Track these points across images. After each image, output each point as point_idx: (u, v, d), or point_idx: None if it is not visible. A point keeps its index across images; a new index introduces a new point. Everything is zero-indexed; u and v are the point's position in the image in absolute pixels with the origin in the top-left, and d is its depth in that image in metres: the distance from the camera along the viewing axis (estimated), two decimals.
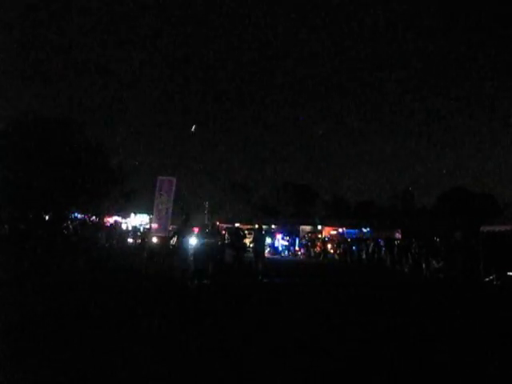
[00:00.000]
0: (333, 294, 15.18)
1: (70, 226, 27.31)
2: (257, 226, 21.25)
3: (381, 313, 11.50)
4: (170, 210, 19.51)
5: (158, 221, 19.58)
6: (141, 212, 40.86)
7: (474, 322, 10.68)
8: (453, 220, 36.63)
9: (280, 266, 25.54)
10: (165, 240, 18.22)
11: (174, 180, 20.08)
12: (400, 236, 35.11)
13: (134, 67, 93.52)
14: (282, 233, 44.17)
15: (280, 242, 41.60)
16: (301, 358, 6.96)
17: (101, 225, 27.25)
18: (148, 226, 26.88)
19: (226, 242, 23.80)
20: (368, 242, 34.49)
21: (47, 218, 26.16)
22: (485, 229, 22.12)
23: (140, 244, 24.49)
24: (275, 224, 45.67)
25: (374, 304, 13.09)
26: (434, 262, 24.61)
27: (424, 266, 25.00)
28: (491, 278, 20.61)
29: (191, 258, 15.25)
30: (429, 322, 10.53)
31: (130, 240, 28.95)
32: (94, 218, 31.59)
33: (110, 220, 37.91)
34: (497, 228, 20.91)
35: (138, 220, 40.35)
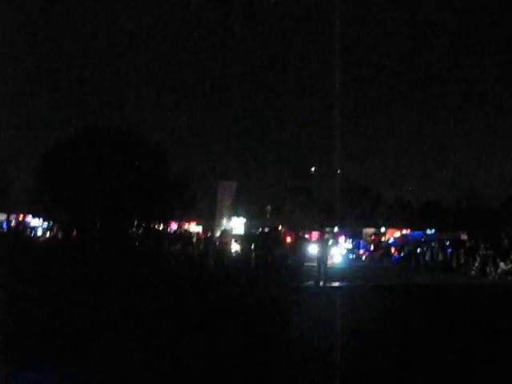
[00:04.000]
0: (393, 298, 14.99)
1: (137, 232, 27.98)
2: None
3: (443, 315, 11.30)
4: (230, 214, 19.85)
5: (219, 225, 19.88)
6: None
7: None
8: None
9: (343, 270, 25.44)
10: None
11: (234, 184, 20.39)
12: (466, 237, 34.24)
13: (193, 72, 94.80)
14: (345, 235, 43.87)
15: (343, 245, 41.32)
16: None
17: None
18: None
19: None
20: (433, 243, 33.75)
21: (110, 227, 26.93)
22: None
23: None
24: (339, 227, 45.37)
25: (436, 307, 12.87)
26: (502, 263, 23.94)
27: (492, 268, 24.32)
28: None
29: None
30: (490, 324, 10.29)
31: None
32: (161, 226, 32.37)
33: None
34: None
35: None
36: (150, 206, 28.02)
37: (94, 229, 26.59)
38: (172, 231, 34.13)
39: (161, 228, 30.42)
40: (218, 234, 20.41)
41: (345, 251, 39.61)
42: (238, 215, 36.86)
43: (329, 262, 30.81)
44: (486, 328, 9.81)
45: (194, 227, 40.73)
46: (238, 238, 22.41)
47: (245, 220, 39.09)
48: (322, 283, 17.99)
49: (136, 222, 27.70)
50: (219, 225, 19.75)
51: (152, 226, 28.77)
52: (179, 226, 37.79)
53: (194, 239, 31.20)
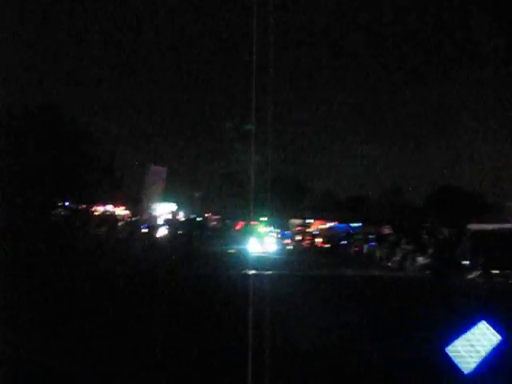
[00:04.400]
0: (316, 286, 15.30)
1: (62, 213, 27.28)
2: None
3: (359, 304, 11.65)
4: (159, 199, 19.64)
5: (147, 209, 19.62)
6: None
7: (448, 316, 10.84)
8: (441, 217, 36.84)
9: (266, 259, 25.65)
10: None
11: (165, 169, 20.15)
12: (389, 232, 35.36)
13: (124, 55, 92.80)
14: (272, 225, 44.25)
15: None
16: None
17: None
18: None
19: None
20: (357, 236, 34.67)
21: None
22: (472, 227, 22.45)
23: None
24: (266, 217, 45.69)
25: (354, 296, 13.26)
26: (421, 258, 24.88)
27: (411, 261, 25.21)
28: (476, 275, 20.92)
29: None
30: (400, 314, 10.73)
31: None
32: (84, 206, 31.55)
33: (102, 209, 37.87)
34: (483, 226, 21.19)
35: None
36: (75, 186, 27.37)
37: (15, 208, 25.71)
38: (98, 213, 33.48)
39: (87, 209, 29.78)
40: (145, 217, 20.18)
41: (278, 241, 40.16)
42: (168, 201, 36.53)
43: (262, 251, 31.31)
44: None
45: (120, 211, 40.04)
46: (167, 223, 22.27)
47: (176, 206, 38.73)
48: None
49: (60, 203, 26.99)
50: (148, 209, 19.50)
51: (78, 207, 28.12)
52: (105, 209, 37.08)
53: (120, 223, 30.74)
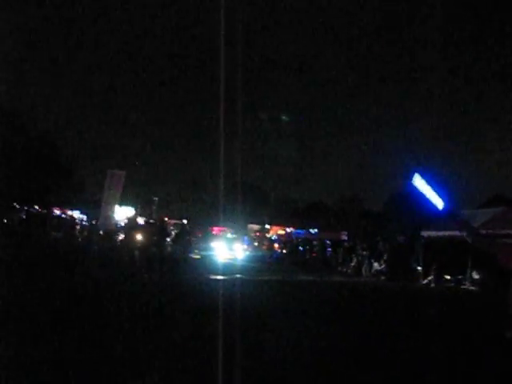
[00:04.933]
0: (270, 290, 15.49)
1: (22, 216, 26.90)
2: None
3: (314, 310, 11.85)
4: (117, 203, 19.60)
5: (107, 215, 19.52)
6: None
7: (400, 321, 11.19)
8: (396, 224, 37.62)
9: (225, 264, 25.75)
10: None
11: (123, 174, 20.09)
12: (346, 238, 35.95)
13: (85, 60, 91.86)
14: (231, 231, 44.46)
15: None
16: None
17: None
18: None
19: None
20: (314, 242, 35.06)
21: None
22: (425, 233, 23.05)
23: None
24: (226, 222, 45.91)
25: (310, 301, 13.49)
26: (376, 264, 25.40)
27: (367, 267, 25.69)
28: (429, 280, 21.54)
29: None
30: (355, 319, 11.00)
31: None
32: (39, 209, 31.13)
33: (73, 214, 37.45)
34: (436, 233, 21.76)
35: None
36: (34, 189, 27.02)
37: None
38: (55, 216, 33.07)
39: (44, 213, 29.43)
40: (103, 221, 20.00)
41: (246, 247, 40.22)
42: (126, 205, 36.24)
43: (230, 257, 31.32)
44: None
45: (77, 214, 39.61)
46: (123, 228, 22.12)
47: (134, 210, 38.53)
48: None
49: (17, 205, 26.61)
50: (107, 213, 19.36)
51: (36, 210, 27.76)
52: (63, 212, 36.64)
53: (78, 226, 30.46)
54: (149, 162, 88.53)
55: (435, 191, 5.10)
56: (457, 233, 17.17)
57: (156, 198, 47.81)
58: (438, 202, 5.08)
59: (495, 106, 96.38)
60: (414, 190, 5.23)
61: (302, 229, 44.32)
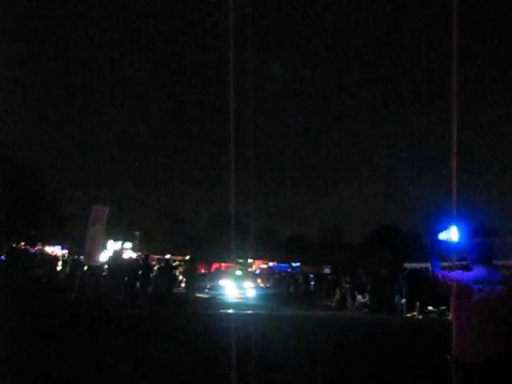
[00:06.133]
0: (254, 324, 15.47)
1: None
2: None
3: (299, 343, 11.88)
4: (102, 239, 19.50)
5: (91, 250, 19.38)
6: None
7: (390, 355, 11.25)
8: (379, 256, 37.85)
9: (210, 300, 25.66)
10: None
11: (107, 209, 20.03)
12: (329, 271, 36.04)
13: (66, 92, 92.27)
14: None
15: None
16: None
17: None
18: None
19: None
20: (298, 276, 35.05)
21: None
22: (408, 265, 23.26)
23: None
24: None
25: (295, 335, 13.51)
26: (360, 297, 25.48)
27: (350, 300, 25.75)
28: (412, 313, 21.71)
29: None
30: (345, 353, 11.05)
31: None
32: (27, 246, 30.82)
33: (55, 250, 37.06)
34: (418, 265, 21.95)
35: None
36: (17, 225, 26.80)
37: None
38: (37, 253, 32.70)
39: (25, 248, 29.13)
40: (88, 256, 19.81)
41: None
42: (116, 239, 35.92)
43: (240, 296, 30.09)
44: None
45: (58, 250, 39.21)
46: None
47: (129, 244, 38.39)
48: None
49: None
50: (93, 248, 19.21)
51: (16, 246, 27.48)
52: (44, 248, 36.26)
53: (60, 263, 30.11)
54: (130, 197, 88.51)
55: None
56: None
57: (138, 233, 47.52)
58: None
59: None
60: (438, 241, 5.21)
61: (284, 262, 44.38)
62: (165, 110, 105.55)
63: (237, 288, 31.73)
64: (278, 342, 12.01)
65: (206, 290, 31.68)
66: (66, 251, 37.35)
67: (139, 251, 33.04)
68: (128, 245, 36.76)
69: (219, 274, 38.37)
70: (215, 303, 23.71)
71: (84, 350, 9.24)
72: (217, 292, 31.28)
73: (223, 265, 43.67)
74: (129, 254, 30.80)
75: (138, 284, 18.41)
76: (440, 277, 4.65)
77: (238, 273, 37.08)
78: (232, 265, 42.23)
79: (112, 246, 29.48)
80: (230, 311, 20.21)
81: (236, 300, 27.28)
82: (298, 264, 41.92)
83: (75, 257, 25.97)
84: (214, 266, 44.25)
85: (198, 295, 25.90)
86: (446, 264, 16.70)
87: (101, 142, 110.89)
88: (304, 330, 15.13)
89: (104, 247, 20.86)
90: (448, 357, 4.40)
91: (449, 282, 4.56)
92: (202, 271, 39.71)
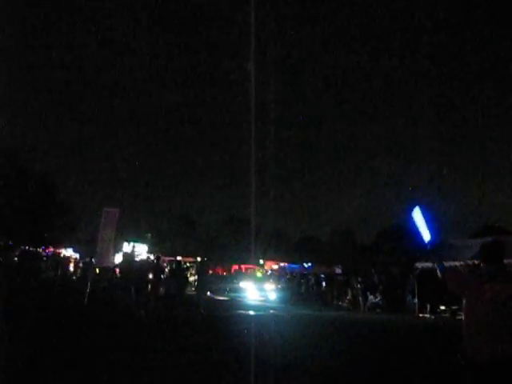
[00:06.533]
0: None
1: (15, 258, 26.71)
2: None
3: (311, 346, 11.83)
4: (113, 242, 19.58)
5: (103, 252, 19.45)
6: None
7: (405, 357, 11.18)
8: (390, 257, 37.68)
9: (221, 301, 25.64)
10: None
11: (118, 211, 20.10)
12: (340, 271, 35.87)
13: (84, 98, 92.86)
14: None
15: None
16: None
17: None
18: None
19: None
20: (309, 276, 34.91)
21: None
22: (419, 265, 23.09)
23: None
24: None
25: (308, 336, 13.48)
26: (371, 297, 25.37)
27: (362, 301, 25.64)
28: (424, 312, 21.61)
29: None
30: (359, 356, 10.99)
31: None
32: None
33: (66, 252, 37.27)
34: (430, 264, 21.79)
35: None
36: (29, 228, 27.00)
37: None
38: (49, 255, 32.91)
39: (38, 251, 29.37)
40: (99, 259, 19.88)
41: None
42: (134, 241, 36.20)
43: (261, 298, 30.14)
44: None
45: (70, 252, 39.46)
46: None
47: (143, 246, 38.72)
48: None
49: (13, 244, 26.49)
50: (104, 251, 19.28)
51: (30, 249, 27.69)
52: (56, 251, 36.48)
53: (72, 265, 30.31)
54: (141, 199, 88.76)
55: (428, 226, 5.21)
56: (450, 263, 17.27)
57: (149, 235, 47.74)
58: (426, 236, 5.22)
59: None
60: (412, 222, 5.34)
61: (295, 263, 44.17)
62: (179, 115, 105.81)
63: (257, 290, 31.63)
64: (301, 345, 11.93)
65: (226, 292, 31.60)
66: (77, 254, 37.61)
67: (150, 253, 33.22)
68: (142, 247, 36.98)
69: (239, 275, 38.22)
70: (234, 305, 23.64)
71: (94, 350, 9.26)
72: (237, 294, 31.20)
73: (243, 266, 43.44)
74: (144, 255, 30.89)
75: (149, 286, 18.41)
76: (450, 276, 4.66)
77: (259, 274, 36.94)
78: (251, 266, 42.18)
79: (126, 248, 29.71)
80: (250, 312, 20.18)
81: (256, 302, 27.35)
82: (310, 265, 41.71)
83: (87, 259, 26.12)
84: (234, 267, 44.00)
85: (218, 298, 25.92)
86: (457, 263, 16.80)
87: (114, 145, 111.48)
88: (324, 333, 15.11)
89: (117, 249, 21.05)
90: (459, 356, 4.38)
91: (459, 282, 4.57)
92: (222, 273, 39.70)
